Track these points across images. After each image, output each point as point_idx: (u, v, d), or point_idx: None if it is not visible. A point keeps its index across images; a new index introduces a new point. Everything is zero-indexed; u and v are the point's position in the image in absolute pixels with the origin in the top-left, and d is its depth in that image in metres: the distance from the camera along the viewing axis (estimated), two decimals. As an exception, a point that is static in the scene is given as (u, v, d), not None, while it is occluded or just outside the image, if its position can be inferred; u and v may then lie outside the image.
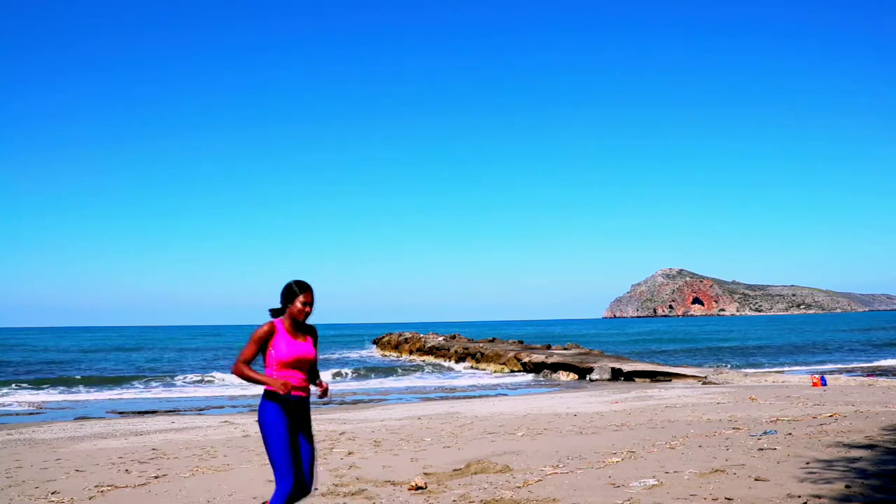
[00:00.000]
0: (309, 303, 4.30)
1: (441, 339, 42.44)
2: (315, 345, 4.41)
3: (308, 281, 4.32)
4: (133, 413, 16.75)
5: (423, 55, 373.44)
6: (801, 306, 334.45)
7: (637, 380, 22.27)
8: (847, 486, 5.60)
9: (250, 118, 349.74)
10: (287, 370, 4.23)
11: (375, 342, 57.06)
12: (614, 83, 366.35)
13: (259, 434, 4.37)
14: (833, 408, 11.69)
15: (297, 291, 4.27)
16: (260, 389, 4.24)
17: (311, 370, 4.39)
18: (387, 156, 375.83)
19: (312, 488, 4.32)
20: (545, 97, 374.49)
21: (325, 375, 29.28)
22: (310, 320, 4.34)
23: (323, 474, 7.24)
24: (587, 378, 23.38)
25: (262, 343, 4.22)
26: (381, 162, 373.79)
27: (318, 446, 9.37)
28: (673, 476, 6.32)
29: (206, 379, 28.00)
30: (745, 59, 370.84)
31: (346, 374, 29.91)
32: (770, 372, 25.84)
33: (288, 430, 4.18)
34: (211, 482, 7.05)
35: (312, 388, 4.43)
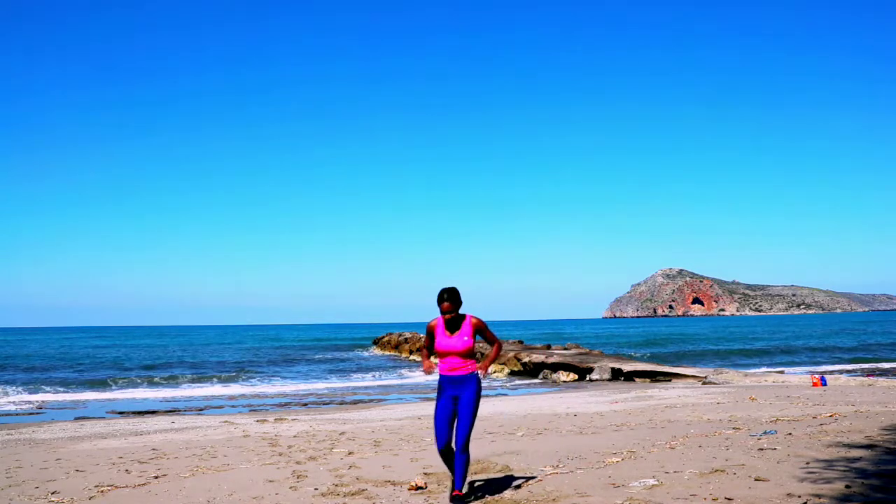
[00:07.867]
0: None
1: (441, 339, 42.31)
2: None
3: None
4: (133, 413, 16.76)
5: (421, 55, 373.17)
6: (801, 306, 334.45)
7: (637, 380, 22.27)
8: (847, 486, 5.60)
9: (249, 118, 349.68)
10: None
11: (375, 342, 57.01)
12: (615, 83, 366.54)
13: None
14: (833, 408, 11.69)
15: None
16: None
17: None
18: (387, 155, 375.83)
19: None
20: (546, 97, 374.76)
21: (328, 377, 29.29)
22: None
23: (323, 474, 7.24)
24: (587, 378, 23.39)
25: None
26: (381, 162, 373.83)
27: (317, 446, 9.40)
28: (673, 476, 6.32)
29: (206, 379, 27.99)
30: (745, 59, 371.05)
31: (346, 374, 29.89)
32: (770, 372, 25.83)
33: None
34: (211, 482, 7.04)
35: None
